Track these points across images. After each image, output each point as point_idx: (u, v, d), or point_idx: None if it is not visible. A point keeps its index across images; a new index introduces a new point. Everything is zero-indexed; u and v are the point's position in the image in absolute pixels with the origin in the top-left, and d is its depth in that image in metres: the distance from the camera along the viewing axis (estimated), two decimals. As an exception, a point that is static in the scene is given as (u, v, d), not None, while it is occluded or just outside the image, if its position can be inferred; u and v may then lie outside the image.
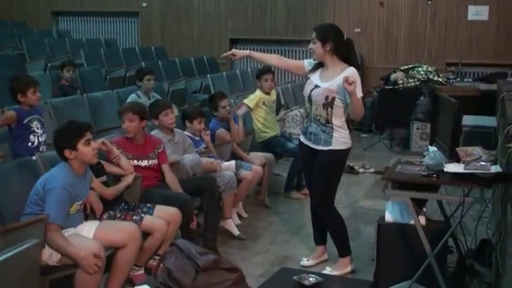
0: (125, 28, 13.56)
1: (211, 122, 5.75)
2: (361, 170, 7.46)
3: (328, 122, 4.17)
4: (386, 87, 9.10)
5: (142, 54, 10.87)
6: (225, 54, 4.67)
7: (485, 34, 10.46)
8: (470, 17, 10.49)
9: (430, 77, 8.87)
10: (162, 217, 4.12)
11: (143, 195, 4.40)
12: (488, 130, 5.90)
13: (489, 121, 6.14)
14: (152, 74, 6.81)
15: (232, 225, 5.23)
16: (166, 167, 4.61)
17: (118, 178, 4.25)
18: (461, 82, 9.07)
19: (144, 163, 4.53)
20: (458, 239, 4.16)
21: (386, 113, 8.96)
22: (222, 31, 12.25)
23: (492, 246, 4.07)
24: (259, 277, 4.31)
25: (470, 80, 9.49)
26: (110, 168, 4.21)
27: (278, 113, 7.06)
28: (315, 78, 4.27)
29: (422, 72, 9.04)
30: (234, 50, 4.64)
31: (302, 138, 4.41)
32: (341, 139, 4.22)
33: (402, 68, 9.34)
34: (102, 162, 4.12)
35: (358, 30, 11.02)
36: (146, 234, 3.97)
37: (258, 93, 6.34)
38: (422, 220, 3.78)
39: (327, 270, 4.39)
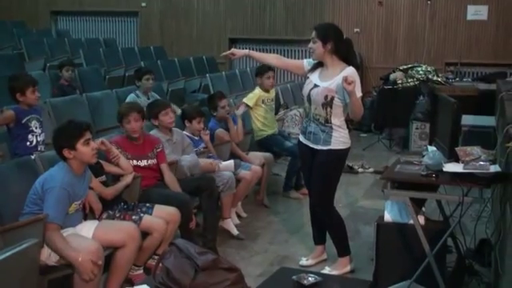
0: (124, 28, 13.56)
1: (210, 121, 5.75)
2: (360, 170, 7.46)
3: (327, 121, 4.17)
4: (386, 87, 9.10)
5: (141, 53, 10.88)
6: (224, 54, 4.67)
7: (484, 34, 10.46)
8: (470, 16, 10.50)
9: (430, 77, 8.87)
10: (161, 216, 4.12)
11: (142, 195, 4.40)
12: (487, 129, 5.90)
13: (488, 120, 6.15)
14: (151, 73, 6.81)
15: (231, 224, 5.23)
16: (164, 167, 4.61)
17: (117, 178, 4.25)
18: (460, 81, 9.08)
19: (143, 163, 4.53)
20: (457, 239, 4.16)
21: (385, 112, 8.97)
22: (222, 31, 12.26)
23: (491, 245, 4.07)
24: (258, 276, 4.31)
25: (469, 80, 9.49)
26: (109, 168, 4.20)
27: (277, 112, 7.07)
28: (314, 77, 4.27)
29: (421, 72, 9.04)
30: (233, 50, 4.64)
31: (301, 138, 4.40)
32: (340, 139, 4.22)
33: (401, 68, 9.34)
34: (101, 161, 4.11)
35: (358, 29, 11.03)
36: (145, 234, 3.97)
37: (257, 91, 6.35)
38: (421, 220, 3.78)
39: (326, 270, 4.39)
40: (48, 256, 3.44)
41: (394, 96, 8.78)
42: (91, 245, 3.47)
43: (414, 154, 4.23)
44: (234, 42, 12.15)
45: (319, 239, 4.63)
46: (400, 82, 9.02)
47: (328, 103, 4.14)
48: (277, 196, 6.37)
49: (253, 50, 11.30)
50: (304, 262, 4.60)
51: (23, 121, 4.84)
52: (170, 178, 4.60)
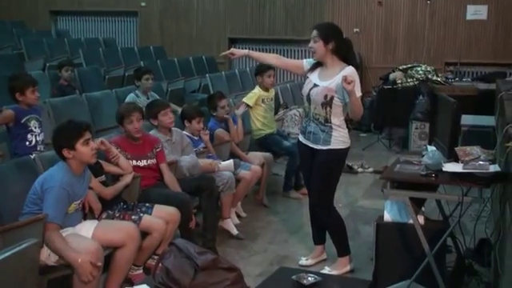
0: (123, 27, 13.56)
1: (210, 121, 5.75)
2: (360, 170, 7.46)
3: (327, 121, 4.17)
4: (385, 87, 9.10)
5: (141, 53, 10.87)
6: (224, 53, 4.66)
7: (484, 34, 10.47)
8: (469, 16, 10.50)
9: (429, 76, 8.88)
10: (161, 216, 4.12)
11: (142, 195, 4.40)
12: (487, 129, 5.90)
13: (487, 120, 6.15)
14: (150, 73, 6.81)
15: (231, 224, 5.23)
16: (164, 166, 4.61)
17: (116, 178, 4.25)
18: (459, 81, 9.08)
19: (143, 163, 4.53)
20: (457, 239, 4.16)
21: (384, 112, 8.97)
22: (221, 31, 12.26)
23: (491, 245, 4.07)
24: (258, 276, 4.31)
25: (469, 79, 9.49)
26: (108, 167, 4.20)
27: (276, 112, 7.07)
28: (314, 77, 4.27)
29: (420, 72, 9.04)
30: (232, 49, 4.63)
31: (301, 138, 4.40)
32: (340, 138, 4.22)
33: (400, 68, 9.34)
34: (100, 161, 4.11)
35: (357, 29, 11.03)
36: (144, 234, 3.97)
37: (257, 90, 6.34)
38: (421, 219, 3.78)
39: (326, 270, 4.39)
40: (47, 256, 3.44)
41: (393, 96, 8.78)
42: (91, 245, 3.47)
43: (414, 154, 4.24)
44: (233, 42, 12.14)
45: (319, 239, 4.63)
46: (399, 81, 9.02)
47: (327, 103, 4.13)
48: (276, 196, 6.37)
49: (252, 49, 11.30)
50: (304, 261, 4.60)
51: (22, 120, 4.84)
52: (169, 177, 4.60)
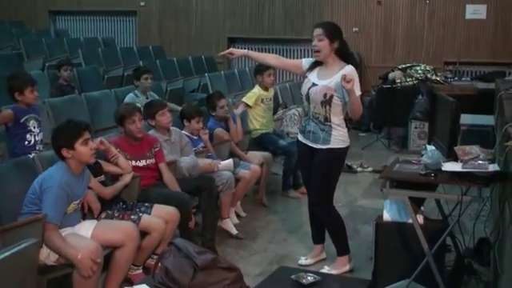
0: (123, 27, 13.55)
1: (209, 121, 5.75)
2: (359, 169, 7.46)
3: (327, 120, 4.17)
4: (384, 86, 9.09)
5: (140, 53, 10.87)
6: (222, 53, 4.66)
7: (483, 33, 10.47)
8: (468, 16, 10.50)
9: (428, 76, 8.87)
10: (160, 216, 4.12)
11: (141, 194, 4.40)
12: (486, 128, 5.90)
13: (487, 119, 6.14)
14: (149, 72, 6.80)
15: (230, 224, 5.23)
16: (163, 166, 4.61)
17: (115, 178, 4.25)
18: (459, 80, 9.07)
19: (142, 163, 4.53)
20: (456, 238, 4.16)
21: (384, 112, 8.97)
22: (220, 30, 12.25)
23: (490, 244, 4.07)
24: (257, 276, 4.31)
25: (468, 79, 9.49)
26: (108, 167, 4.20)
27: (276, 112, 7.07)
28: (313, 76, 4.27)
29: (419, 71, 9.04)
30: (231, 49, 4.63)
31: (300, 137, 4.40)
32: (339, 138, 4.22)
33: (399, 67, 9.33)
34: (100, 161, 4.11)
35: (356, 29, 11.03)
36: (144, 234, 3.97)
37: (257, 90, 6.34)
38: (420, 219, 3.78)
39: (325, 269, 4.39)
40: (47, 256, 3.44)
41: (392, 95, 8.78)
42: (90, 244, 3.47)
43: (413, 153, 4.24)
44: (232, 42, 12.15)
45: (318, 238, 4.64)
46: (399, 81, 9.02)
47: (327, 101, 4.13)
48: (276, 195, 6.37)
49: (252, 49, 11.29)
50: (303, 261, 4.60)
51: (21, 120, 4.83)
52: (168, 177, 4.60)
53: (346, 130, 4.28)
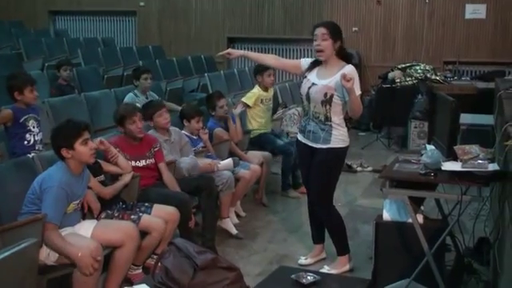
0: (122, 27, 13.55)
1: (209, 121, 5.75)
2: (359, 169, 7.46)
3: (327, 119, 4.17)
4: (384, 86, 9.09)
5: (140, 53, 10.87)
6: (220, 53, 4.67)
7: (482, 33, 10.47)
8: (468, 15, 10.50)
9: (428, 75, 8.87)
10: (160, 216, 4.12)
11: (141, 194, 4.40)
12: (485, 128, 5.89)
13: (486, 119, 6.13)
14: (149, 72, 6.81)
15: (230, 224, 5.23)
16: (162, 166, 4.61)
17: (115, 178, 4.25)
18: (458, 80, 9.06)
19: (141, 163, 4.52)
20: (456, 237, 4.16)
21: (383, 111, 8.97)
22: (220, 30, 12.25)
23: (490, 244, 4.07)
24: (257, 275, 4.31)
25: (468, 78, 9.48)
26: (107, 167, 4.20)
27: (275, 111, 7.07)
28: (312, 76, 4.26)
29: (419, 70, 9.04)
30: (229, 50, 4.64)
31: (300, 137, 4.40)
32: (340, 137, 4.22)
33: (399, 66, 9.33)
34: (99, 161, 4.11)
35: (356, 28, 11.03)
36: (143, 233, 3.97)
37: (256, 90, 6.34)
38: (420, 218, 3.78)
39: (325, 269, 4.39)
40: (47, 255, 3.44)
41: (392, 95, 8.78)
42: (90, 243, 3.47)
43: (413, 153, 4.23)
44: (232, 42, 12.15)
45: (318, 238, 4.64)
46: (398, 80, 9.02)
47: (327, 101, 4.13)
48: (275, 195, 6.38)
49: (251, 49, 11.19)
50: (303, 260, 4.61)
51: (21, 120, 4.83)
52: (168, 177, 4.60)
53: (345, 129, 4.28)
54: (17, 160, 4.15)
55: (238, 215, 5.60)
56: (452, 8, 10.60)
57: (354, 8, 11.19)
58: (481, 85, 8.39)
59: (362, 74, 10.13)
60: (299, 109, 6.82)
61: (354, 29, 10.96)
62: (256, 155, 5.92)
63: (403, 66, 9.32)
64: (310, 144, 4.28)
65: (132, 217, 4.01)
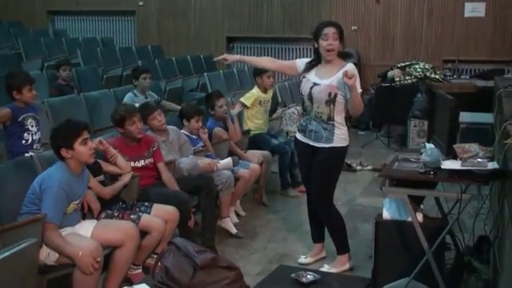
0: (121, 27, 13.55)
1: (208, 121, 5.75)
2: (358, 168, 7.46)
3: (330, 118, 4.17)
4: (383, 84, 9.09)
5: (139, 52, 10.87)
6: (216, 59, 4.70)
7: (481, 31, 10.47)
8: (467, 13, 10.50)
9: (427, 74, 8.87)
10: (160, 215, 4.12)
11: (141, 194, 4.40)
12: (485, 126, 5.90)
13: (486, 117, 6.14)
14: (148, 72, 6.81)
15: (230, 223, 5.23)
16: (161, 166, 4.61)
17: (115, 178, 4.24)
18: (458, 78, 9.07)
19: (140, 163, 4.52)
20: (456, 236, 4.16)
21: (383, 110, 8.97)
22: (219, 29, 12.25)
23: (490, 242, 4.07)
24: (257, 275, 4.31)
25: (467, 77, 9.48)
26: (107, 167, 4.20)
27: (275, 111, 7.07)
28: (311, 76, 4.25)
29: (418, 69, 9.03)
30: (225, 55, 4.65)
31: (300, 136, 4.39)
32: (341, 136, 4.22)
33: (398, 65, 9.33)
34: (99, 161, 4.11)
35: (355, 27, 11.03)
36: (143, 233, 3.97)
37: (255, 91, 6.34)
38: (420, 217, 3.78)
39: (325, 268, 4.39)
40: (47, 255, 3.45)
41: (391, 94, 8.78)
42: (90, 243, 3.47)
43: (412, 152, 4.23)
44: (231, 41, 12.16)
45: (318, 237, 4.64)
46: (398, 79, 9.01)
47: (331, 100, 4.13)
48: (275, 194, 6.37)
49: (250, 48, 11.17)
50: (303, 259, 4.61)
51: (19, 119, 4.83)
52: (167, 176, 4.60)
53: (346, 128, 4.28)
54: (17, 160, 4.16)
55: (237, 214, 5.60)
56: (451, 6, 10.60)
57: (353, 7, 11.19)
58: (480, 83, 8.40)
59: (361, 72, 10.09)
60: (299, 108, 6.81)
61: (353, 28, 10.95)
62: (255, 154, 5.91)
63: (402, 64, 9.32)
64: (312, 143, 4.27)
65: (132, 216, 4.01)
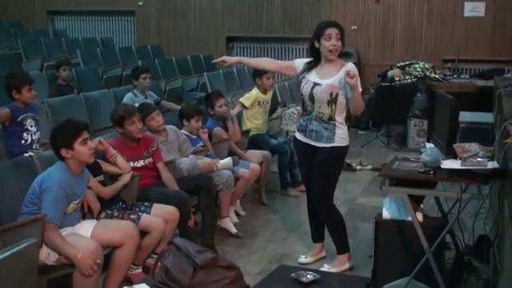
0: (121, 27, 13.55)
1: (208, 121, 5.74)
2: (358, 167, 7.46)
3: (331, 118, 4.17)
4: (383, 84, 9.09)
5: (139, 52, 10.87)
6: (215, 60, 4.70)
7: (481, 31, 10.47)
8: (467, 13, 10.50)
9: (427, 73, 8.86)
10: (160, 215, 4.12)
11: (141, 194, 4.40)
12: (485, 126, 5.90)
13: (486, 117, 6.14)
14: (148, 72, 6.81)
15: (229, 223, 5.23)
16: (161, 165, 4.61)
17: (115, 178, 4.24)
18: (457, 78, 9.07)
19: (140, 163, 4.51)
20: (456, 235, 4.16)
21: (382, 110, 8.97)
22: (219, 29, 12.25)
23: (489, 241, 4.07)
24: (257, 274, 4.31)
25: (467, 76, 9.48)
26: (107, 167, 4.20)
27: (275, 110, 7.07)
28: (311, 76, 4.24)
29: (418, 69, 9.03)
30: (224, 57, 4.65)
31: (299, 136, 4.38)
32: (342, 136, 4.23)
33: (398, 65, 9.32)
34: (99, 161, 4.11)
35: (355, 27, 11.03)
36: (143, 233, 3.97)
37: (255, 92, 6.34)
38: (420, 216, 3.78)
39: (325, 267, 4.39)
40: (47, 255, 3.45)
41: (391, 93, 8.78)
42: (90, 243, 3.47)
43: (412, 151, 4.22)
44: (231, 41, 12.15)
45: (317, 237, 4.64)
46: (397, 79, 9.01)
47: (333, 100, 4.13)
48: (275, 194, 6.37)
49: (250, 48, 11.15)
50: (303, 259, 4.61)
51: (18, 119, 4.83)
52: (167, 176, 4.60)
53: (346, 128, 4.28)
54: (16, 160, 4.15)
55: (237, 214, 5.60)
56: (451, 6, 10.60)
57: (353, 6, 11.19)
58: (480, 83, 8.40)
59: (361, 72, 10.04)
60: (298, 108, 6.81)
61: (352, 27, 10.96)
62: (255, 154, 5.91)
63: (402, 64, 9.31)
64: (313, 143, 4.26)
65: (132, 216, 4.01)
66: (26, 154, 4.38)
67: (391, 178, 3.66)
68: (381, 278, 3.86)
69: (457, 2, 10.53)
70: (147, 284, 3.09)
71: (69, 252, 3.36)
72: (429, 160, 3.59)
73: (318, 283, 3.56)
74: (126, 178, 4.21)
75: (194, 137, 5.34)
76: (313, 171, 4.33)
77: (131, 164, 4.41)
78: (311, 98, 4.21)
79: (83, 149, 3.57)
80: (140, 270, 4.14)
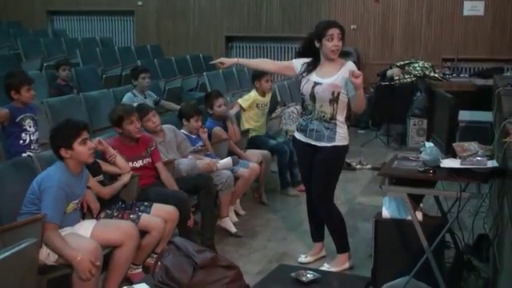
0: (120, 27, 13.56)
1: (207, 121, 5.74)
2: (358, 167, 7.47)
3: (332, 118, 4.17)
4: (383, 83, 9.10)
5: (138, 52, 10.87)
6: (213, 62, 4.69)
7: (481, 30, 10.47)
8: (466, 12, 10.51)
9: (426, 73, 8.87)
10: (160, 215, 4.12)
11: (140, 194, 4.39)
12: (484, 125, 5.90)
13: (485, 116, 6.14)
14: (147, 72, 6.81)
15: (229, 223, 5.23)
16: (160, 165, 4.60)
17: (114, 177, 4.24)
18: (457, 77, 9.09)
19: (139, 163, 4.51)
20: (456, 234, 4.17)
21: (382, 109, 8.97)
22: (218, 29, 12.25)
23: (489, 240, 4.07)
24: (257, 274, 4.31)
25: (466, 75, 9.50)
26: (106, 167, 4.20)
27: (274, 110, 7.07)
28: (312, 76, 4.23)
29: (418, 68, 9.04)
30: (222, 59, 4.64)
31: (299, 136, 4.37)
32: (343, 135, 4.23)
33: (398, 64, 9.33)
34: (98, 161, 4.11)
35: (354, 26, 11.04)
36: (143, 233, 3.97)
37: (253, 94, 6.32)
38: (419, 216, 3.78)
39: (325, 267, 4.39)
40: (47, 256, 3.44)
41: (391, 92, 8.78)
42: (90, 244, 3.47)
43: (412, 150, 4.24)
44: (230, 41, 12.15)
45: (317, 236, 4.64)
46: (397, 78, 9.01)
47: (335, 99, 4.13)
48: (275, 193, 6.38)
49: (249, 47, 11.13)
50: (303, 259, 4.61)
51: (17, 119, 4.83)
52: (166, 176, 4.59)
53: (346, 127, 4.28)
54: (16, 160, 4.16)
55: (237, 214, 5.61)
56: (450, 5, 10.60)
57: (352, 6, 11.19)
58: (479, 82, 8.40)
59: (360, 71, 10.13)
60: (298, 107, 6.81)
61: (352, 26, 10.96)
62: (255, 154, 5.91)
63: (402, 63, 9.32)
64: (313, 143, 4.26)
65: (131, 216, 4.01)
66: (24, 154, 4.38)
67: (391, 177, 3.66)
68: (381, 277, 3.86)
69: (456, 1, 10.54)
70: (147, 284, 3.09)
71: (68, 254, 3.35)
72: (428, 159, 3.59)
73: (317, 282, 3.55)
74: (125, 178, 4.21)
75: (193, 136, 5.34)
76: (313, 171, 4.33)
77: (130, 164, 4.40)
78: (312, 97, 4.20)
79: (83, 149, 3.57)
80: (140, 270, 4.14)
